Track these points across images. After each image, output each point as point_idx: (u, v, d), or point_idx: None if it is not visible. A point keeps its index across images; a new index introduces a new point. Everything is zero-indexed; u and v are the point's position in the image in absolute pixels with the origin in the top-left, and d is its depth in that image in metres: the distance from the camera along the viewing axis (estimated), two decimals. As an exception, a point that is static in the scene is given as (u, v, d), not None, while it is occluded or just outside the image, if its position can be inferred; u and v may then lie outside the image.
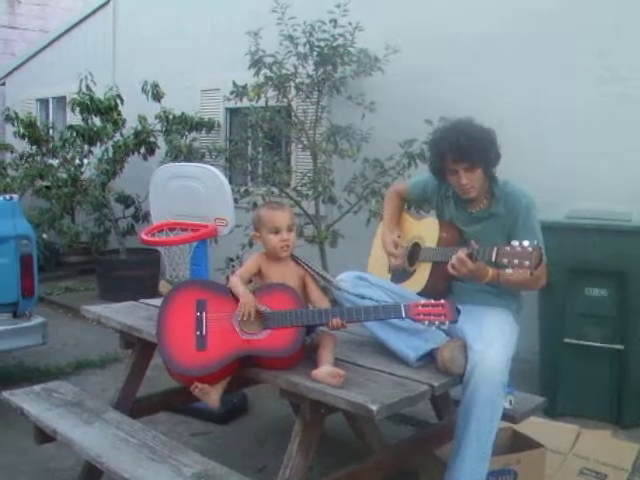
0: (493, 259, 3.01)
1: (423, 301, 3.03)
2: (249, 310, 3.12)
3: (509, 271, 2.96)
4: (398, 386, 2.91)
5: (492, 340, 3.17)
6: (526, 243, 2.92)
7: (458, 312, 3.01)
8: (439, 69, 6.49)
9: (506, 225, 3.34)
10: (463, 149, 3.37)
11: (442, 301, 2.99)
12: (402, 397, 2.80)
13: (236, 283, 3.26)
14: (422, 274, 3.62)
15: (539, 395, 4.15)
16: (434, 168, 3.64)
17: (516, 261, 2.92)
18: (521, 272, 2.94)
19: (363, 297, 3.38)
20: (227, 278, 3.61)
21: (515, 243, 2.94)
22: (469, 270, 3.12)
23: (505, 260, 2.95)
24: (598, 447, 4.36)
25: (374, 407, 2.65)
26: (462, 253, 3.12)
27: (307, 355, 3.18)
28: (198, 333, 3.14)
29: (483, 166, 3.43)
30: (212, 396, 3.14)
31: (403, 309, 3.02)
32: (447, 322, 2.96)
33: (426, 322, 2.97)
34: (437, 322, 2.96)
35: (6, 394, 3.79)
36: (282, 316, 3.09)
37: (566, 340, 4.91)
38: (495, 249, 3.01)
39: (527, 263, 2.89)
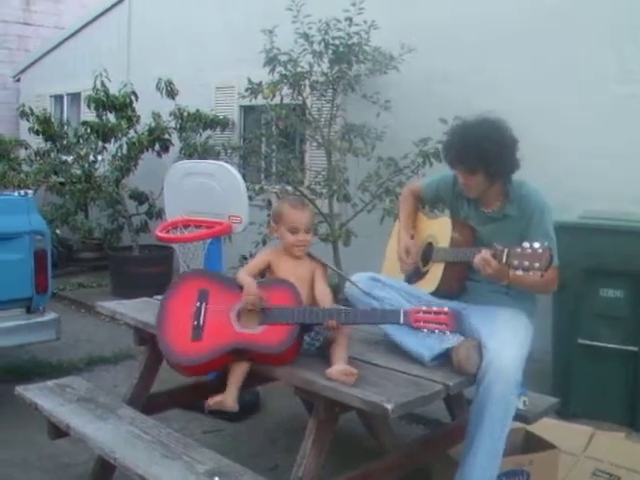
0: (504, 260, 3.01)
1: (425, 308, 3.00)
2: (252, 300, 3.14)
3: (519, 273, 2.95)
4: (413, 385, 2.91)
5: (507, 339, 3.16)
6: (537, 245, 2.91)
7: (461, 323, 3.01)
8: (454, 68, 6.48)
9: (519, 227, 3.32)
10: (464, 152, 3.39)
11: (445, 309, 2.97)
12: (417, 396, 2.80)
13: (242, 275, 3.28)
14: (435, 274, 3.62)
15: (552, 396, 4.12)
16: (444, 155, 3.68)
17: (526, 263, 2.92)
18: (531, 274, 2.93)
19: (375, 298, 3.38)
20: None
21: (526, 244, 2.94)
22: (494, 270, 3.11)
23: (516, 262, 2.95)
24: (612, 449, 4.33)
25: (389, 406, 2.65)
26: (487, 253, 3.11)
27: (321, 353, 3.18)
28: (195, 323, 3.18)
29: (484, 173, 3.40)
30: (228, 402, 3.16)
31: (402, 315, 3.00)
32: (447, 332, 2.94)
33: (425, 330, 2.95)
34: (437, 331, 2.94)
35: (20, 389, 3.80)
36: (278, 313, 3.10)
37: (580, 341, 4.89)
38: (506, 250, 3.01)
39: (537, 265, 2.89)
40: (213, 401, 3.16)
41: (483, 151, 3.34)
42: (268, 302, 3.14)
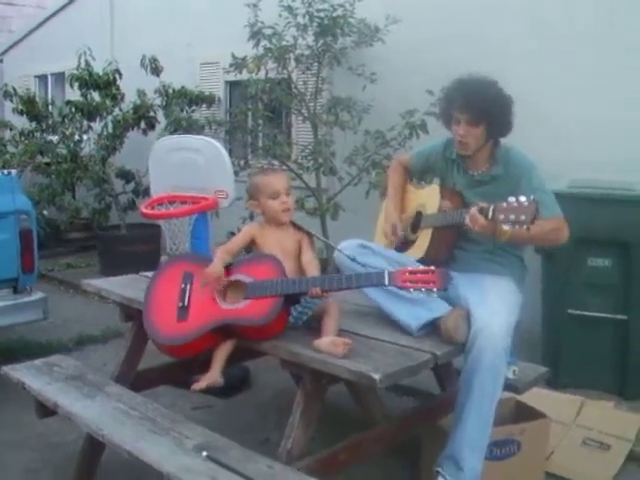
0: (490, 216, 3.02)
1: (411, 268, 2.96)
2: (208, 279, 3.15)
3: (506, 227, 2.95)
4: (401, 355, 2.90)
5: (495, 307, 3.14)
6: (522, 198, 2.91)
7: (449, 280, 2.96)
8: (440, 39, 6.42)
9: (508, 189, 3.25)
10: (472, 100, 3.37)
11: (432, 267, 2.91)
12: (404, 366, 2.78)
13: (217, 255, 3.26)
14: (423, 241, 3.62)
15: (542, 366, 4.13)
16: (443, 113, 3.65)
17: (512, 216, 2.92)
18: (517, 227, 2.93)
19: (364, 265, 3.35)
20: None
21: (512, 199, 2.94)
22: (482, 226, 3.10)
23: (502, 216, 2.96)
24: (601, 418, 4.35)
25: (376, 376, 2.63)
26: (474, 209, 3.12)
27: (310, 325, 3.16)
28: (180, 304, 3.20)
29: (486, 126, 3.41)
30: (213, 378, 3.17)
31: (387, 276, 2.95)
32: (435, 289, 2.87)
33: (412, 289, 2.90)
34: (424, 289, 2.88)
35: (7, 369, 3.77)
36: (260, 286, 3.08)
37: (569, 311, 4.89)
38: (492, 206, 3.02)
39: (523, 217, 2.89)
40: (198, 386, 3.15)
41: (490, 103, 3.37)
42: (252, 277, 3.12)
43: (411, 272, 2.91)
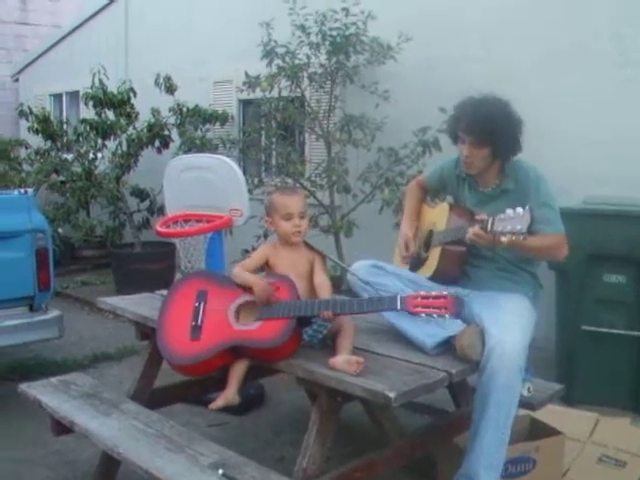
0: (489, 228, 3.04)
1: (423, 293, 2.96)
2: (267, 295, 3.12)
3: (504, 239, 2.96)
4: (415, 373, 2.90)
5: (509, 325, 3.14)
6: (519, 209, 2.93)
7: (462, 306, 2.97)
8: (452, 56, 6.46)
9: (518, 201, 3.25)
10: (477, 123, 3.38)
11: (445, 293, 2.92)
12: (419, 384, 2.79)
13: (241, 273, 3.28)
14: (433, 259, 3.65)
15: (556, 382, 4.12)
16: (450, 129, 3.66)
17: (509, 227, 2.94)
18: (514, 238, 2.94)
19: (375, 285, 3.38)
20: None
21: (509, 210, 2.96)
22: (485, 240, 3.13)
23: (500, 227, 2.97)
24: (617, 435, 4.32)
25: (392, 394, 2.64)
26: (475, 227, 3.15)
27: (325, 343, 3.18)
28: (194, 323, 3.20)
29: (491, 148, 3.42)
30: (230, 396, 3.19)
31: (399, 301, 2.96)
32: (447, 315, 2.88)
33: (423, 315, 2.90)
34: (436, 315, 2.88)
35: (24, 386, 3.80)
36: (274, 308, 3.09)
37: (584, 327, 4.88)
38: (490, 219, 3.05)
39: (519, 227, 2.91)
40: (215, 405, 3.18)
41: (495, 125, 3.37)
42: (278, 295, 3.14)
43: (423, 297, 2.92)
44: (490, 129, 3.36)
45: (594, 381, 4.87)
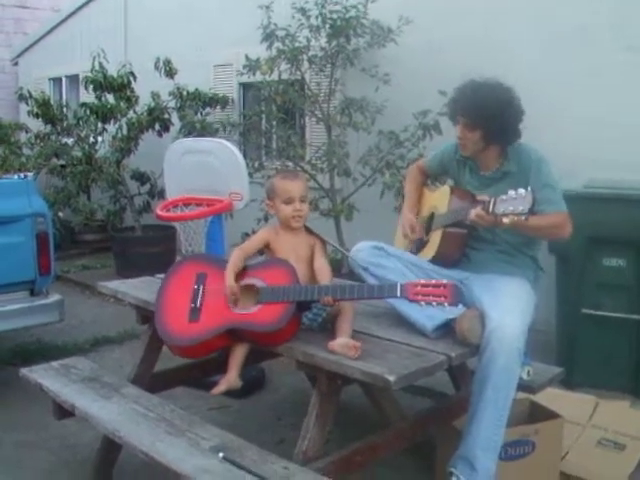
0: (490, 209, 3.05)
1: (423, 281, 2.96)
2: (232, 298, 3.16)
3: (506, 220, 2.98)
4: (415, 357, 2.90)
5: (509, 307, 3.15)
6: (521, 190, 2.95)
7: (461, 295, 2.99)
8: (452, 39, 6.42)
9: (520, 183, 3.23)
10: (471, 106, 3.42)
11: (444, 281, 2.92)
12: (419, 367, 2.79)
13: (232, 261, 3.27)
14: (434, 241, 3.66)
15: (556, 366, 4.13)
16: (450, 109, 3.67)
17: (511, 207, 2.96)
18: (516, 219, 2.95)
19: (377, 266, 3.41)
20: None
21: (511, 191, 2.98)
22: (487, 222, 3.15)
23: (502, 209, 2.99)
24: (616, 418, 4.33)
25: (391, 377, 2.64)
26: (477, 208, 3.17)
27: (325, 327, 3.18)
28: (193, 305, 3.22)
29: (482, 132, 3.44)
30: (232, 380, 3.21)
31: (399, 288, 2.96)
32: (446, 304, 2.88)
33: (423, 303, 2.90)
34: (435, 303, 2.88)
35: (25, 371, 3.80)
36: (273, 291, 3.09)
37: (584, 311, 4.89)
38: (492, 199, 3.06)
39: (521, 208, 2.93)
40: (217, 390, 3.20)
41: (488, 110, 3.38)
42: (264, 281, 3.15)
43: (423, 285, 2.92)
44: (483, 114, 3.38)
45: (594, 364, 4.88)
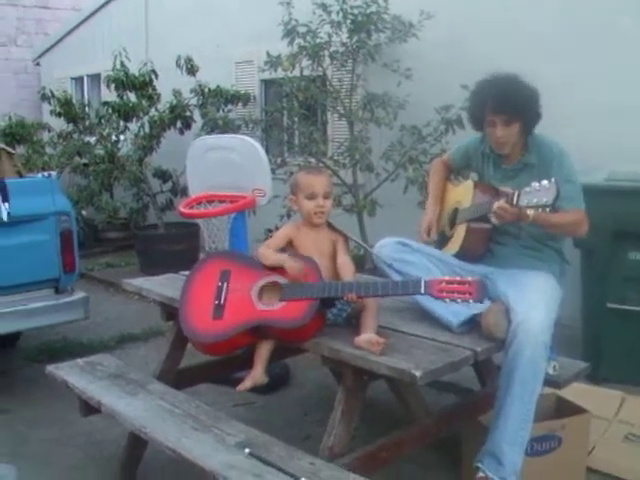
0: (515, 202, 3.04)
1: (448, 278, 2.95)
2: (299, 274, 3.13)
3: (530, 212, 2.98)
4: (441, 352, 2.90)
5: (535, 302, 3.14)
6: (545, 182, 2.94)
7: (486, 291, 2.96)
8: (475, 34, 6.39)
9: (540, 176, 3.20)
10: (505, 100, 3.37)
11: (469, 278, 2.90)
12: (445, 363, 2.78)
13: (268, 254, 3.28)
14: (458, 236, 3.64)
15: (582, 361, 4.10)
16: (473, 117, 3.65)
17: (535, 199, 2.95)
18: (540, 211, 2.96)
19: (402, 262, 3.40)
20: None
21: (535, 183, 2.98)
22: (511, 214, 3.14)
23: (526, 200, 2.99)
24: (643, 413, 4.31)
25: (417, 373, 2.64)
26: (501, 201, 3.16)
27: (349, 322, 3.18)
28: (217, 302, 3.21)
29: (521, 122, 3.42)
30: (258, 376, 3.19)
31: (423, 285, 2.94)
32: (471, 301, 2.86)
33: (448, 300, 2.89)
34: (460, 300, 2.87)
35: (51, 368, 3.83)
36: (296, 288, 3.09)
37: (609, 305, 4.85)
38: (516, 192, 3.05)
39: (545, 200, 2.92)
40: (243, 387, 3.19)
41: (522, 99, 3.38)
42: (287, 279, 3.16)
43: (448, 282, 2.90)
44: (520, 105, 3.36)
45: (620, 359, 4.84)
